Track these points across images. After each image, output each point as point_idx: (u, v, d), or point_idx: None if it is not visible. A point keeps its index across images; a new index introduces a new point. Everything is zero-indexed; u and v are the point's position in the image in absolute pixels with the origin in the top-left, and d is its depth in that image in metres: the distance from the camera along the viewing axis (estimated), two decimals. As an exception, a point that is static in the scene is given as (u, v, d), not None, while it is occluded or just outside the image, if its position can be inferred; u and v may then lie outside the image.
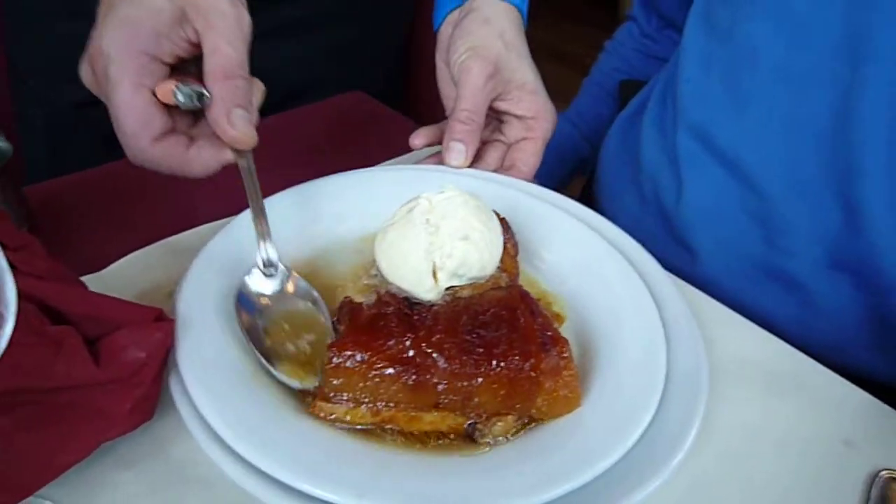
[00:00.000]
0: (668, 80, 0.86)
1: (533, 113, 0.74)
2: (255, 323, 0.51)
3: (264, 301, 0.53)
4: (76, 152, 1.04)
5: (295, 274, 0.55)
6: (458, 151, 0.69)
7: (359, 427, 0.46)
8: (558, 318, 0.57)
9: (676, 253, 0.72)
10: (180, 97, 0.54)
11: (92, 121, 1.02)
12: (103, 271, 0.59)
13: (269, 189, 0.68)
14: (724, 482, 0.50)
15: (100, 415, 0.44)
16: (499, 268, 0.54)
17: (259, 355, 0.49)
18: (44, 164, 1.04)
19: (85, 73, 0.57)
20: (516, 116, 0.75)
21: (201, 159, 0.57)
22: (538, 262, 0.62)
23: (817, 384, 0.58)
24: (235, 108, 0.53)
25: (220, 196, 0.61)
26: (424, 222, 0.51)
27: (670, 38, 1.05)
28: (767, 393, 0.56)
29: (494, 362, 0.46)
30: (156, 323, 0.47)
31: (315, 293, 0.55)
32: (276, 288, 0.54)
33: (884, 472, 0.51)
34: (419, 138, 0.75)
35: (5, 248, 0.46)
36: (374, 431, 0.47)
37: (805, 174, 0.70)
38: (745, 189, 0.76)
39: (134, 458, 0.47)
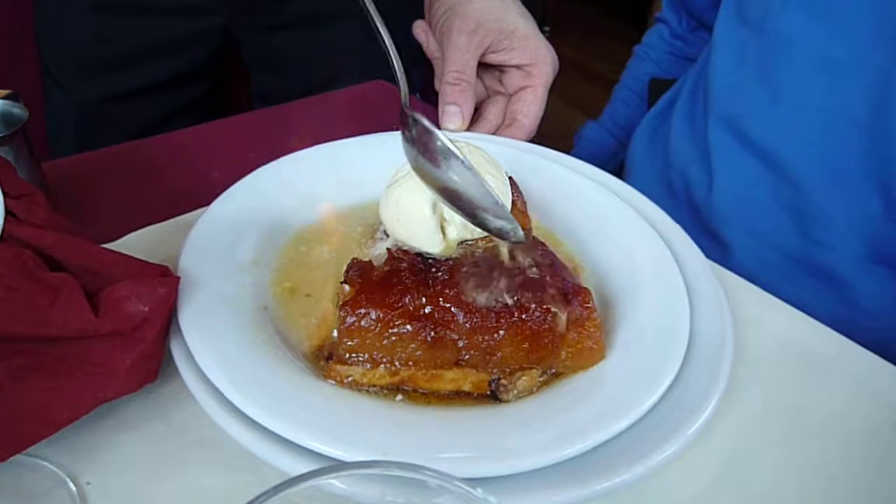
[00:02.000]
0: (699, 73, 0.84)
1: (528, 59, 0.70)
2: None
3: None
4: (104, 146, 1.04)
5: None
6: (453, 114, 0.66)
7: (377, 387, 0.43)
8: (577, 269, 0.54)
9: (708, 247, 0.69)
10: None
11: (120, 115, 1.02)
12: (115, 241, 0.56)
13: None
14: (764, 466, 0.46)
15: (98, 370, 0.40)
16: None
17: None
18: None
19: None
20: (514, 66, 0.71)
21: None
22: (550, 221, 0.59)
23: (861, 367, 0.53)
24: None
25: (238, 175, 0.58)
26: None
27: (702, 39, 1.02)
28: (808, 375, 0.52)
29: (516, 315, 0.42)
30: (161, 278, 0.44)
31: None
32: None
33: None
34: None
35: (6, 196, 0.45)
36: (392, 391, 0.44)
37: (842, 164, 0.67)
38: (778, 179, 0.72)
39: (134, 420, 0.44)
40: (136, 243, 0.57)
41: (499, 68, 0.72)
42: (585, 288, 0.45)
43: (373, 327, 0.42)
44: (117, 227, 0.58)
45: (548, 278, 0.44)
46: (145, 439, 0.43)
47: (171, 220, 0.60)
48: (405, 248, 0.47)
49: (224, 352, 0.42)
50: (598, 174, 0.63)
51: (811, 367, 0.53)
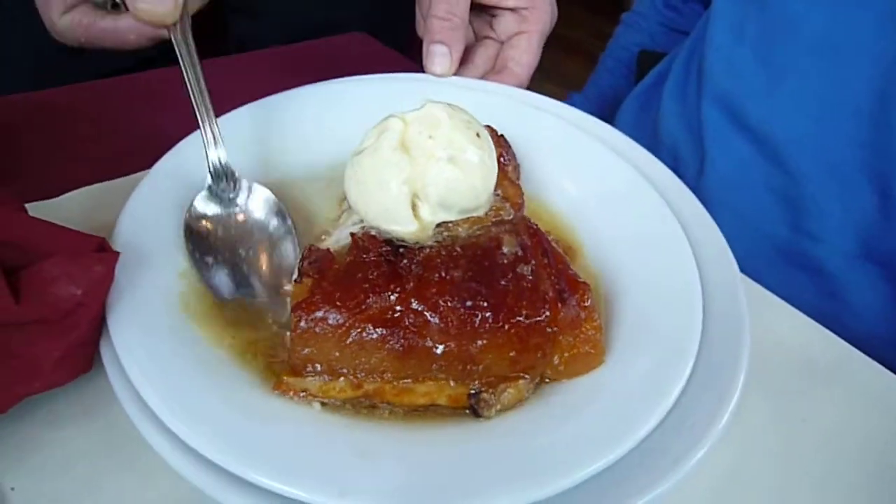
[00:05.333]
0: (693, 48, 0.78)
1: (525, 2, 0.62)
2: (206, 249, 0.42)
3: (214, 220, 0.43)
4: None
5: (256, 185, 0.45)
6: (440, 55, 0.57)
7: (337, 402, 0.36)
8: (571, 252, 0.46)
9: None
10: None
11: (86, 60, 0.92)
12: (50, 201, 0.49)
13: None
14: (762, 483, 0.41)
15: (22, 362, 0.34)
16: (498, 195, 0.43)
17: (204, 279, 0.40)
18: None
19: None
20: (508, 8, 0.62)
21: (118, 30, 0.49)
22: (546, 188, 0.50)
23: (867, 378, 0.48)
24: None
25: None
26: (398, 146, 0.40)
27: (695, 12, 0.96)
28: (810, 383, 0.47)
29: (501, 317, 0.35)
30: (97, 254, 0.38)
31: (281, 208, 0.45)
32: (229, 207, 0.44)
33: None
34: None
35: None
36: (354, 403, 0.37)
37: (840, 154, 0.63)
38: (772, 166, 0.68)
39: (67, 418, 0.38)
40: (72, 206, 0.49)
41: (490, 11, 0.63)
42: (584, 282, 0.38)
43: (331, 333, 0.35)
44: (52, 183, 0.50)
45: (540, 271, 0.37)
46: (79, 440, 0.37)
47: (116, 181, 0.52)
48: (372, 231, 0.40)
49: (157, 356, 0.34)
50: (605, 131, 0.53)
51: (815, 374, 0.48)
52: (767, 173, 0.68)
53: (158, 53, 0.90)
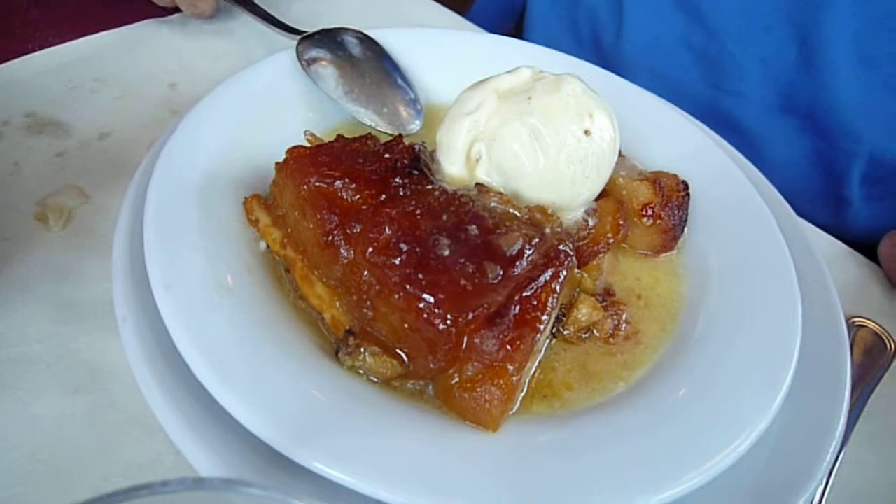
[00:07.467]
0: None
1: None
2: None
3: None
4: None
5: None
6: None
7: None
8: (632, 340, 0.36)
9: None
10: None
11: None
12: None
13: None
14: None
15: None
16: (586, 215, 0.37)
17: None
18: None
19: None
20: None
21: None
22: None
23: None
24: None
25: (60, 19, 0.46)
26: (503, 90, 0.36)
27: None
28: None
29: (420, 282, 0.29)
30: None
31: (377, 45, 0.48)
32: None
33: (855, 320, 0.44)
34: None
35: None
36: None
37: (760, 6, 0.61)
38: (693, 24, 0.64)
39: None
40: None
41: None
42: (534, 328, 0.29)
43: (294, 182, 0.33)
44: None
45: (508, 288, 0.30)
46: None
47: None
48: (419, 146, 0.36)
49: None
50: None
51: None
52: (687, 31, 0.65)
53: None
